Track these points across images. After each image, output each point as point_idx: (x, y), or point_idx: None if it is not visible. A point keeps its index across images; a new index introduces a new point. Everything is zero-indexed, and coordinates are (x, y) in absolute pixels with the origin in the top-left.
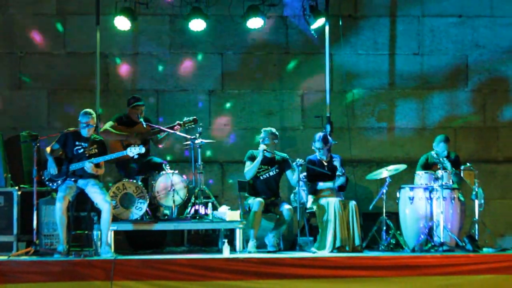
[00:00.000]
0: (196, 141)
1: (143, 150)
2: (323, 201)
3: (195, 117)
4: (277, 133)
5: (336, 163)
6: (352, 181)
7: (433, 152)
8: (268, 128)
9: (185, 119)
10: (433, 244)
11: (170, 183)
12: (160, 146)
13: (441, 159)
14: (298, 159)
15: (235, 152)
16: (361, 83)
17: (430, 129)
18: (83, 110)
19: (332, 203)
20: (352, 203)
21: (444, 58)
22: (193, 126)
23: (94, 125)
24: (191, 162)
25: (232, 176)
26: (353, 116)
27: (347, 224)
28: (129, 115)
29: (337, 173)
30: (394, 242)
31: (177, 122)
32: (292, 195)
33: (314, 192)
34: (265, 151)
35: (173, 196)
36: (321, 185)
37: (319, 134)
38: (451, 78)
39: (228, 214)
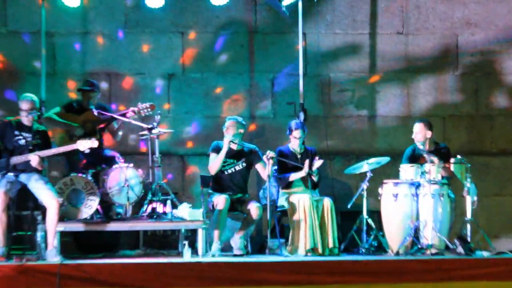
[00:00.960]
0: (153, 131)
1: (95, 144)
2: (294, 198)
3: (152, 103)
4: (244, 122)
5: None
6: (329, 176)
7: (419, 144)
8: (234, 117)
9: (140, 105)
10: (419, 246)
11: (124, 178)
12: (117, 138)
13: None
14: (268, 151)
15: (198, 143)
16: (338, 66)
17: (416, 117)
18: (23, 94)
19: (303, 200)
20: (327, 200)
21: (431, 37)
22: (150, 113)
23: (37, 113)
24: (147, 154)
25: (194, 170)
26: (330, 103)
27: (321, 224)
28: (81, 102)
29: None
30: (376, 244)
31: (131, 108)
32: (261, 192)
33: (287, 186)
34: (231, 143)
35: (128, 192)
36: (293, 176)
37: (296, 121)
38: (440, 60)
39: (189, 212)
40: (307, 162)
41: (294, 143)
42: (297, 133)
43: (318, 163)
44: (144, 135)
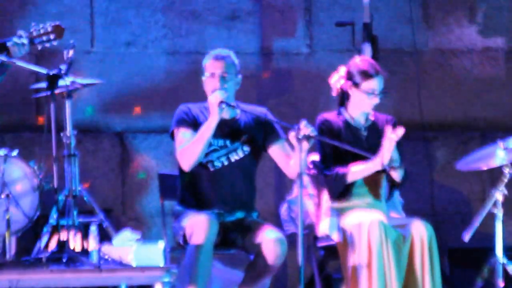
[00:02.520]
0: (60, 82)
1: None
2: (351, 221)
3: (56, 23)
4: (235, 62)
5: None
6: (424, 175)
7: None
8: (224, 52)
9: (35, 26)
10: None
11: (0, 181)
12: None
13: None
14: (302, 122)
15: (153, 108)
16: None
17: None
18: None
19: (368, 226)
20: (420, 226)
21: None
22: (52, 44)
23: None
24: (48, 131)
25: (145, 164)
26: (426, 23)
27: (410, 274)
28: None
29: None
30: None
31: (19, 32)
32: (284, 208)
33: (340, 194)
34: (223, 106)
35: (8, 210)
36: (354, 172)
37: (368, 60)
38: None
39: (136, 251)
40: (388, 135)
41: (359, 107)
42: (372, 84)
43: (394, 134)
44: (40, 90)
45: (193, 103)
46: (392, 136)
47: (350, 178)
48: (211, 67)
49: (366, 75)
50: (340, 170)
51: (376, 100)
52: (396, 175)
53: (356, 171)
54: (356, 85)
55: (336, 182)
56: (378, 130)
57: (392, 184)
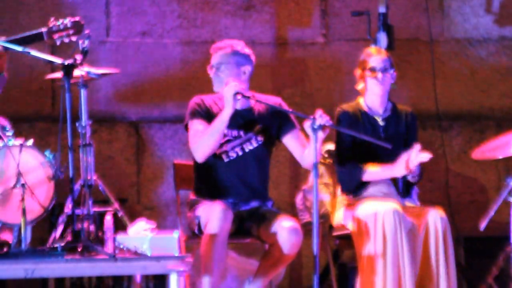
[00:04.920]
0: (75, 73)
1: None
2: (365, 209)
3: (76, 19)
4: (247, 53)
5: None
6: (439, 165)
7: None
8: (237, 45)
9: (54, 22)
10: None
11: (15, 170)
12: None
13: None
14: (318, 113)
15: (168, 98)
16: None
17: None
18: None
19: (383, 215)
20: (436, 216)
21: None
22: (71, 39)
23: None
24: (64, 121)
25: (160, 154)
26: (442, 11)
27: (425, 264)
28: None
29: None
30: None
31: (42, 29)
32: (300, 196)
33: (356, 189)
34: (238, 97)
35: (22, 199)
36: (371, 171)
37: (377, 49)
38: None
39: (151, 241)
40: (415, 151)
41: (371, 91)
42: (373, 61)
43: (421, 156)
44: (56, 80)
45: (206, 94)
46: (418, 157)
47: (365, 178)
48: (224, 57)
49: (367, 54)
50: (355, 167)
51: (379, 77)
52: (412, 178)
53: (373, 172)
54: (363, 69)
55: (350, 177)
56: (396, 121)
57: (408, 184)
